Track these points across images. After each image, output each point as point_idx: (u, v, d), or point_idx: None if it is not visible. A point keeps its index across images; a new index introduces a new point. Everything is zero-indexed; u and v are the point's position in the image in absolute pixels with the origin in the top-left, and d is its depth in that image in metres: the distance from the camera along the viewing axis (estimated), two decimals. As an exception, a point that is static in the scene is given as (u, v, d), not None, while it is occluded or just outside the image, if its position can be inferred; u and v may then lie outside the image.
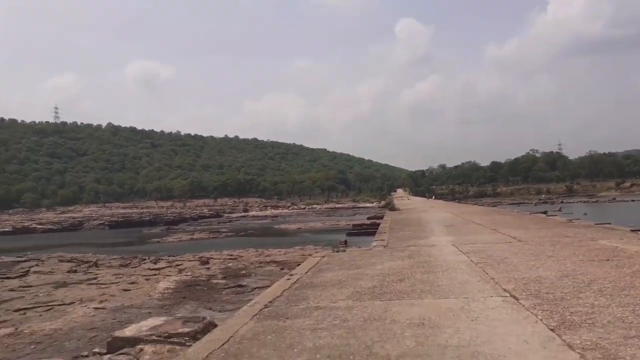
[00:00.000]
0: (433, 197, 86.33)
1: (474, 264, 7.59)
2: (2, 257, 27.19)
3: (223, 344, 4.10)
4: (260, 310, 5.27)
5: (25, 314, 10.38)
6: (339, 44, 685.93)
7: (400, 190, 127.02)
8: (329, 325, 4.53)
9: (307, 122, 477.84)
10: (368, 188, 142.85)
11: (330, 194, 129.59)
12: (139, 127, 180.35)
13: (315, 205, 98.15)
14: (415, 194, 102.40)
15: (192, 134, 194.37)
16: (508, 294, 5.32)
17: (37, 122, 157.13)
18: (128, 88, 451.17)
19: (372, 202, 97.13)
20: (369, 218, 36.44)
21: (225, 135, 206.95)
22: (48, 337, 8.19)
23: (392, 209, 35.00)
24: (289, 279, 7.11)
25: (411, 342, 3.85)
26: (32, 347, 7.65)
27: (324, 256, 9.64)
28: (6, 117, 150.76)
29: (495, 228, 14.14)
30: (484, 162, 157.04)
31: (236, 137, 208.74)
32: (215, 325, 8.13)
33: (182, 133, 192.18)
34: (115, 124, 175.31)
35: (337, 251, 10.83)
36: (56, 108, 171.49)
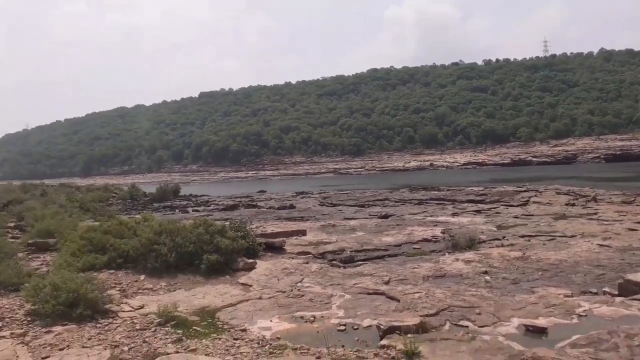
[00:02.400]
0: None
1: None
2: (504, 186, 30.43)
3: None
4: None
5: (529, 240, 11.10)
6: None
7: None
8: None
9: None
10: None
11: None
12: (636, 49, 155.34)
13: None
14: None
15: None
16: None
17: (527, 58, 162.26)
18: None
19: None
20: None
21: None
22: (554, 267, 8.41)
23: None
24: None
25: None
26: (540, 273, 8.04)
27: None
28: (500, 58, 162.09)
29: None
30: None
31: None
32: None
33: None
34: (608, 48, 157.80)
35: None
36: (545, 41, 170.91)
